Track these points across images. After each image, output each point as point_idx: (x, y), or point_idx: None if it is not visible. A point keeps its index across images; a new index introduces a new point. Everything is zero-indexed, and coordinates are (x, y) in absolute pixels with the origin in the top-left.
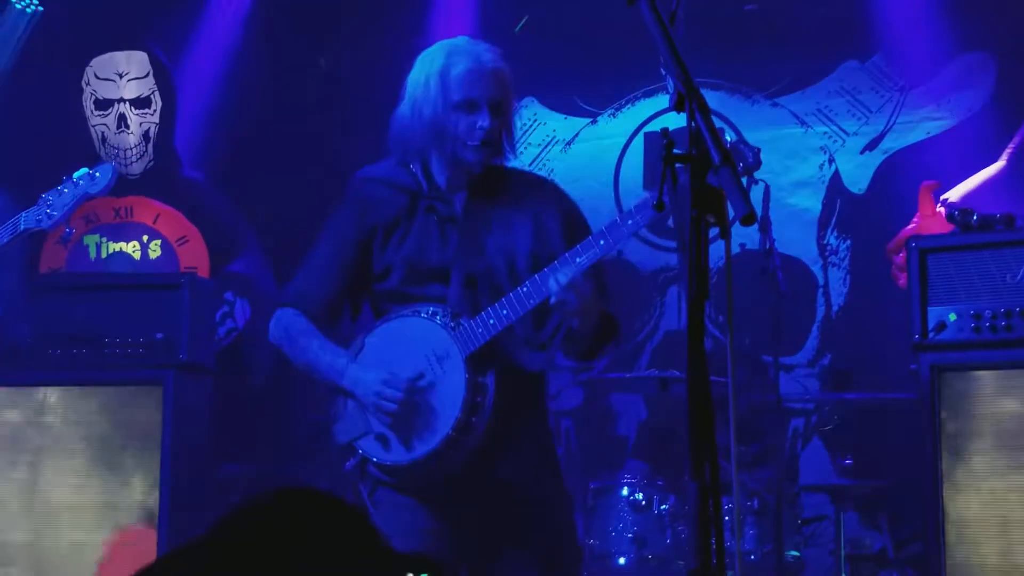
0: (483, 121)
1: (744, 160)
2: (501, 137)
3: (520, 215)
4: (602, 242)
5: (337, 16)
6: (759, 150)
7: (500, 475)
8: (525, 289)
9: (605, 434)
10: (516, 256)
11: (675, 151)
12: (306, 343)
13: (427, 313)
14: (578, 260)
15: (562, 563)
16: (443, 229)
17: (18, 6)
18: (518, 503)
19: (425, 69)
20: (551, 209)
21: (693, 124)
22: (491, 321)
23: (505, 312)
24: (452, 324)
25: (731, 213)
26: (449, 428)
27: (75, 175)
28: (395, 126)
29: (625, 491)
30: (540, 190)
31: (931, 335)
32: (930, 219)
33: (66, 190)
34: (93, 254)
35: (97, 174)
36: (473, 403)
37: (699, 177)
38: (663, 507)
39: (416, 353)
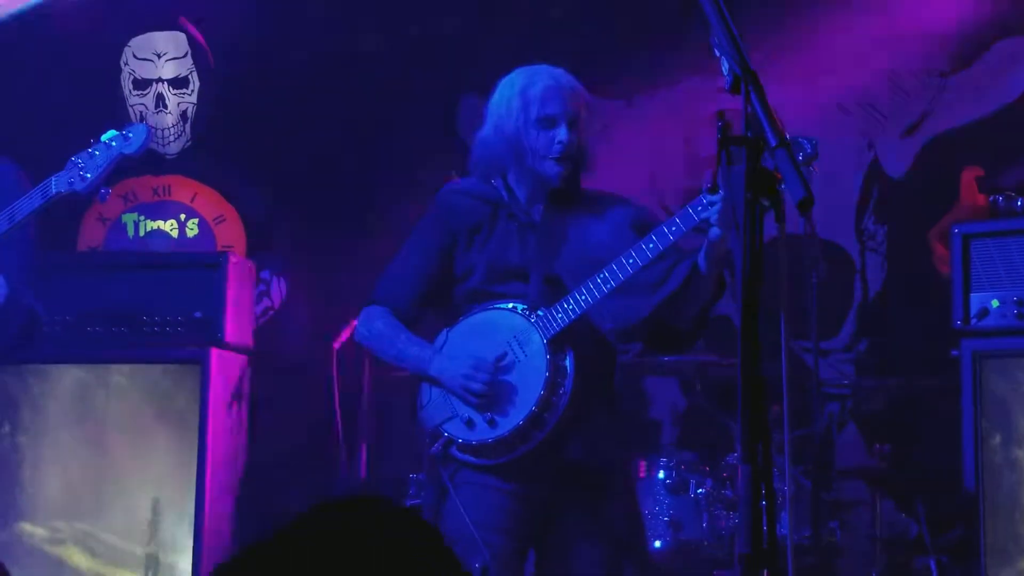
0: (561, 135)
1: (803, 151)
2: (579, 151)
3: (596, 221)
4: (673, 227)
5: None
6: (817, 141)
7: (572, 455)
8: (602, 275)
9: (640, 418)
10: (593, 257)
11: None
12: (394, 335)
13: (507, 306)
14: (651, 246)
15: (628, 545)
16: (523, 234)
17: None
18: (588, 486)
19: (506, 92)
20: (625, 214)
21: (748, 106)
22: (569, 307)
23: (584, 297)
24: (531, 315)
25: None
26: (532, 405)
27: (104, 137)
28: (477, 148)
29: (661, 474)
30: (613, 200)
31: (973, 321)
32: (972, 205)
33: (98, 152)
34: (131, 232)
35: (130, 135)
36: (554, 382)
37: (754, 160)
38: (699, 491)
39: (498, 339)
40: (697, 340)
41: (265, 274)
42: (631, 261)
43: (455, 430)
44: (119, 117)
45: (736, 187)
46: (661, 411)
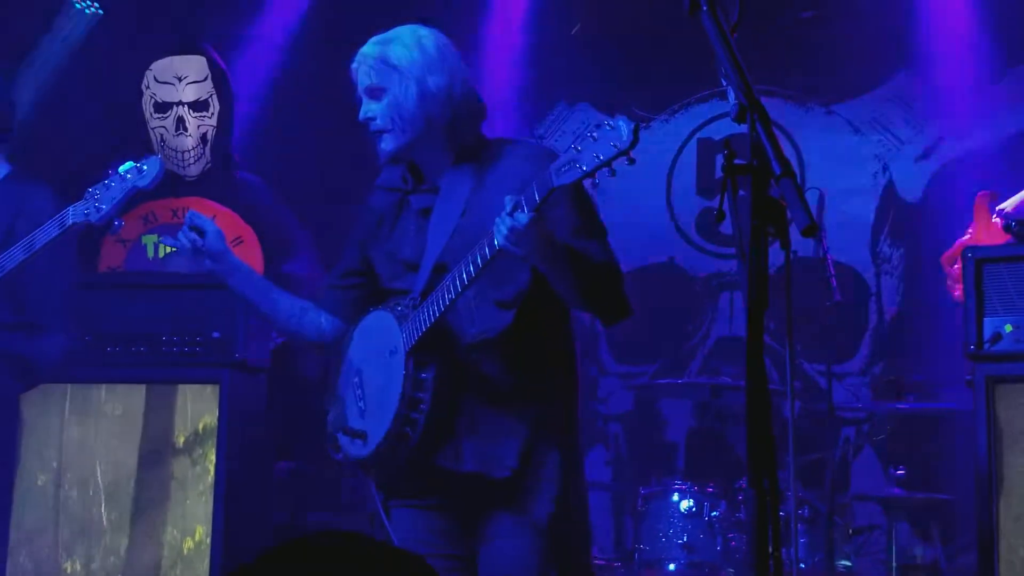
0: (361, 113)
1: (617, 138)
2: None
3: (495, 186)
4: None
5: (394, 16)
6: (636, 125)
7: (468, 465)
8: (459, 267)
9: (655, 440)
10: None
11: (736, 161)
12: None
13: (390, 306)
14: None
15: (564, 538)
16: (419, 220)
17: (78, 6)
18: (499, 487)
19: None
20: (523, 171)
21: (754, 135)
22: (433, 307)
23: (448, 293)
24: (406, 314)
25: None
26: (388, 424)
27: (121, 168)
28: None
29: (675, 497)
30: (523, 159)
31: (986, 346)
32: (986, 229)
33: (113, 184)
34: (151, 254)
35: (144, 167)
36: (412, 398)
37: (760, 188)
38: (713, 513)
39: (378, 352)
40: (618, 312)
41: None
42: (469, 269)
43: (346, 445)
44: (141, 140)
45: (742, 214)
46: (677, 433)
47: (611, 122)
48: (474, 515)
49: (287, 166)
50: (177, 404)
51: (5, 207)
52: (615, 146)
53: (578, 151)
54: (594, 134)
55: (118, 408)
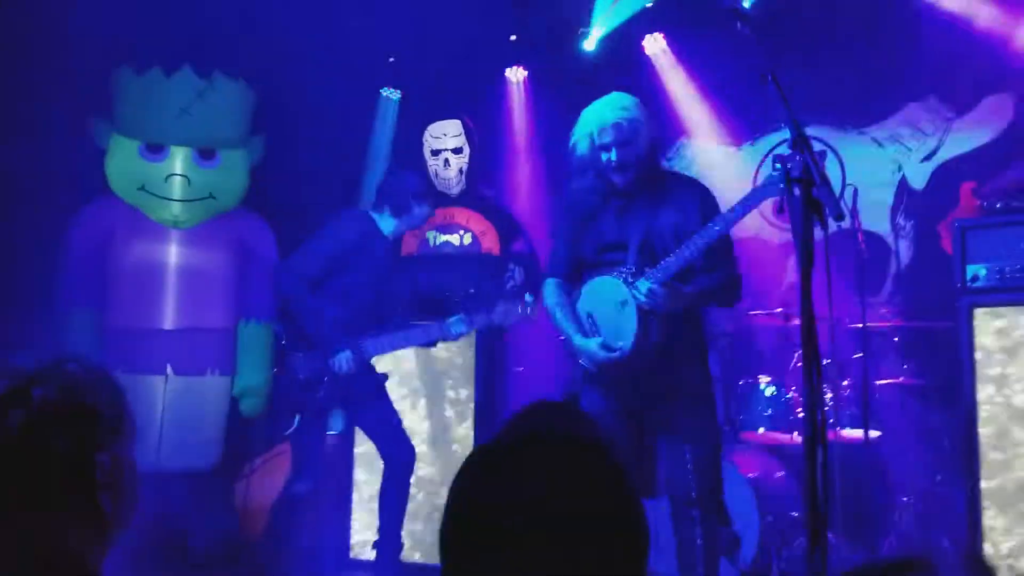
0: (614, 156)
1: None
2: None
3: (671, 203)
4: (730, 216)
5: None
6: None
7: (665, 380)
8: (671, 257)
9: (750, 349)
10: (670, 230)
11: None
12: (561, 312)
13: (615, 273)
14: (716, 228)
15: (705, 441)
16: (620, 214)
17: (384, 94)
18: (679, 396)
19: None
20: (693, 197)
21: (804, 158)
22: (658, 274)
23: (659, 274)
24: (630, 279)
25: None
26: (630, 344)
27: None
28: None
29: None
30: (686, 185)
31: (968, 284)
32: (967, 207)
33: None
34: (432, 242)
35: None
36: (646, 327)
37: (807, 191)
38: (788, 396)
39: (608, 301)
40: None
41: (510, 265)
42: (696, 240)
43: (591, 353)
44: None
45: (794, 209)
46: (765, 343)
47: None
48: (649, 413)
49: (510, 187)
50: None
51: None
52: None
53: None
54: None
55: None
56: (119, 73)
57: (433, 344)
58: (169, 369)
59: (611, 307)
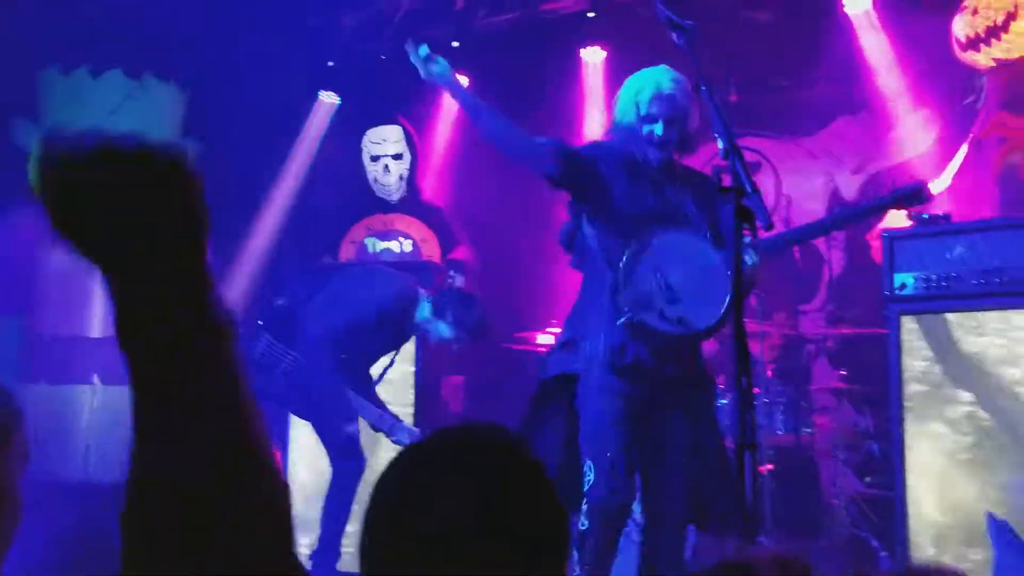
0: (659, 131)
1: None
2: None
3: (687, 186)
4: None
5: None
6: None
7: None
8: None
9: None
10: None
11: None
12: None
13: (692, 232)
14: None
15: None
16: (656, 186)
17: (321, 97)
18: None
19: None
20: (704, 185)
21: (736, 167)
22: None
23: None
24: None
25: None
26: (720, 311)
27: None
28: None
29: None
30: (697, 175)
31: (896, 291)
32: (897, 217)
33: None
34: (371, 249)
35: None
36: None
37: (738, 200)
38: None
39: (689, 260)
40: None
41: (451, 272)
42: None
43: (653, 322)
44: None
45: (726, 216)
46: None
47: None
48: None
49: (456, 194)
50: None
51: None
52: None
53: None
54: None
55: None
56: (44, 74)
57: (375, 429)
58: (96, 379)
59: (695, 270)
